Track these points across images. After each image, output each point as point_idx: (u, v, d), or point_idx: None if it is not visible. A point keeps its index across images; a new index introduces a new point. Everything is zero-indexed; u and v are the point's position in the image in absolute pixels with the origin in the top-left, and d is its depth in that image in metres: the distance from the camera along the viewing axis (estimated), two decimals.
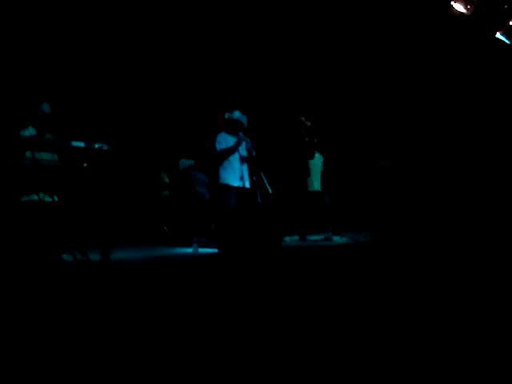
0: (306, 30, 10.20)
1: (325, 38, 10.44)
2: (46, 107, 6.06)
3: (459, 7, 8.04)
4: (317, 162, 9.11)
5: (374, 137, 10.73)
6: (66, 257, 5.85)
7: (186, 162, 8.81)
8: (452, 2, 8.04)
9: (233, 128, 7.35)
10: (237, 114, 7.40)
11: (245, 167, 7.34)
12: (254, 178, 7.34)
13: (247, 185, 7.29)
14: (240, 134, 7.30)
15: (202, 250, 6.83)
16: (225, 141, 7.30)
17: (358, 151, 10.33)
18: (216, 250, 6.52)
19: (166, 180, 9.62)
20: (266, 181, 7.13)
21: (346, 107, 11.49)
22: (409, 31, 9.62)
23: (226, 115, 7.47)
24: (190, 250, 6.93)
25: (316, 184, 9.12)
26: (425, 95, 10.38)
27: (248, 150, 7.35)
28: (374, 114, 11.22)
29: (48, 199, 5.61)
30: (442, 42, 9.49)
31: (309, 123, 8.83)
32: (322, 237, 8.12)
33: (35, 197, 5.62)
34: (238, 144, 7.26)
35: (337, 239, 7.97)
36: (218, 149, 7.27)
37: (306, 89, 11.68)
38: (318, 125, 9.84)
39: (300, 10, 9.56)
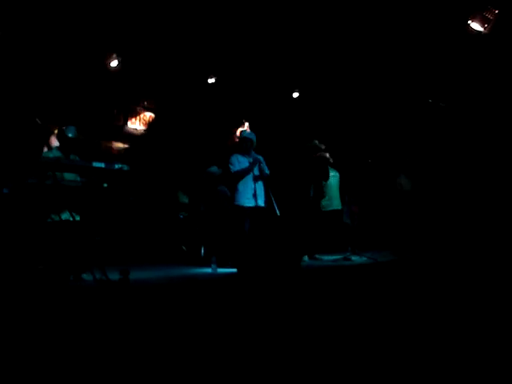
0: (323, 51, 10.23)
1: (343, 58, 10.47)
2: (71, 130, 6.15)
3: (476, 26, 8.02)
4: (333, 180, 9.06)
5: (393, 155, 10.70)
6: (86, 276, 5.89)
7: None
8: (469, 21, 8.02)
9: (244, 147, 7.37)
10: (247, 133, 7.44)
11: (258, 186, 7.31)
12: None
13: (261, 203, 7.25)
14: (253, 153, 7.32)
15: (220, 270, 6.82)
16: (238, 162, 7.32)
17: (376, 170, 10.31)
18: (235, 270, 6.52)
19: (185, 200, 9.66)
20: (274, 203, 7.11)
21: (363, 126, 11.50)
22: (427, 51, 9.61)
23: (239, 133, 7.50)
24: (209, 270, 6.93)
25: (335, 202, 9.07)
26: (443, 114, 10.35)
27: (260, 169, 7.35)
28: (392, 133, 11.21)
29: (69, 218, 5.66)
30: (460, 62, 9.47)
31: (323, 146, 8.84)
32: (341, 256, 8.07)
33: (59, 217, 5.68)
34: (253, 165, 7.27)
35: (356, 259, 7.91)
36: (232, 170, 7.28)
37: (323, 109, 11.73)
38: (335, 145, 9.86)
39: (319, 31, 9.59)
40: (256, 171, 7.33)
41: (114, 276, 5.33)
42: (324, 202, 8.93)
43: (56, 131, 6.23)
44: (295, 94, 11.75)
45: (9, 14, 7.98)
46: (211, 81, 10.92)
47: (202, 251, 8.51)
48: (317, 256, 8.38)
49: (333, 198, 9.07)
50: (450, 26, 8.83)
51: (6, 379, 2.27)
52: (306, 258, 8.06)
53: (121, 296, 4.70)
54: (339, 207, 9.08)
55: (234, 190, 7.33)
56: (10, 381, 2.25)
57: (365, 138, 11.42)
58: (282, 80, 11.19)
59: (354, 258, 7.98)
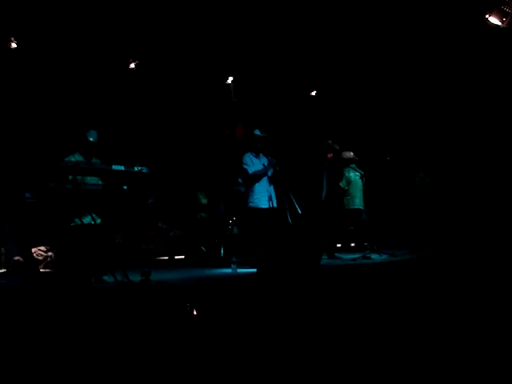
0: (340, 49, 10.21)
1: (360, 56, 10.44)
2: (92, 134, 6.21)
3: (494, 20, 7.93)
4: (357, 179, 9.02)
5: (411, 153, 10.65)
6: (107, 278, 5.94)
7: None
8: (487, 15, 7.93)
9: (255, 147, 7.35)
10: (258, 133, 7.42)
11: (272, 188, 7.34)
12: (283, 199, 7.32)
13: (274, 205, 7.27)
14: (269, 158, 7.30)
15: (240, 270, 6.83)
16: (252, 163, 7.30)
17: (395, 168, 10.27)
18: (255, 270, 6.52)
19: (204, 201, 9.69)
20: (295, 201, 7.10)
21: (382, 124, 11.46)
22: (445, 47, 9.55)
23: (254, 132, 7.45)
24: (228, 271, 6.95)
25: (357, 201, 9.04)
26: (460, 110, 10.28)
27: (273, 169, 7.34)
28: (410, 130, 11.15)
29: (90, 221, 5.71)
30: (478, 56, 9.40)
31: (337, 146, 8.82)
32: (360, 255, 8.04)
33: (85, 220, 5.75)
34: (269, 166, 7.26)
35: (375, 257, 7.87)
36: (250, 172, 7.25)
37: (340, 108, 11.71)
38: (353, 143, 9.84)
39: (335, 29, 9.58)
40: (270, 172, 7.32)
41: (135, 277, 5.37)
42: (346, 201, 8.91)
43: None
44: (313, 93, 11.74)
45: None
46: (229, 81, 10.98)
47: (222, 252, 8.53)
48: (336, 255, 8.36)
49: (356, 197, 9.03)
50: (468, 20, 8.76)
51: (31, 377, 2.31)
52: (324, 256, 8.03)
53: (142, 297, 4.73)
54: (361, 207, 9.04)
55: (249, 191, 7.29)
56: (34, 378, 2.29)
57: (382, 135, 11.38)
58: (299, 79, 11.18)
59: (373, 256, 7.94)
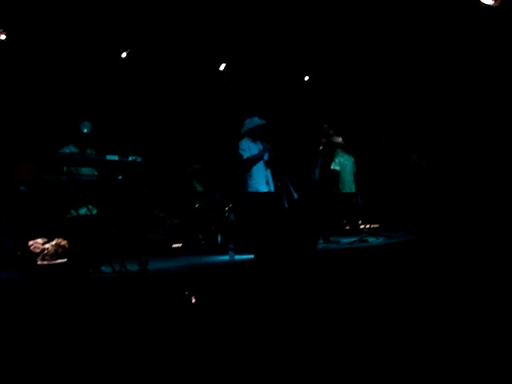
0: (333, 33, 10.17)
1: (353, 40, 10.41)
2: (86, 125, 6.19)
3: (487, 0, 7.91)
4: (347, 163, 9.13)
5: (405, 135, 10.66)
6: (105, 269, 5.95)
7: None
8: None
9: (255, 133, 7.33)
10: (257, 120, 7.39)
11: (269, 172, 7.35)
12: (279, 184, 7.33)
13: (272, 189, 7.30)
14: (264, 143, 7.30)
15: (238, 257, 6.85)
16: (248, 148, 7.29)
17: (389, 150, 10.28)
18: (252, 257, 6.53)
19: (200, 188, 9.68)
20: (291, 186, 7.12)
21: (375, 106, 11.45)
22: (435, 25, 9.52)
23: (248, 121, 7.42)
24: (226, 258, 6.96)
25: (348, 185, 9.13)
26: (453, 90, 10.27)
27: (269, 154, 7.34)
28: (404, 112, 11.15)
29: (87, 212, 5.70)
30: (470, 35, 9.37)
31: (332, 131, 8.84)
32: (357, 238, 8.06)
33: (81, 211, 5.74)
34: (264, 151, 7.26)
35: (372, 240, 7.89)
36: (244, 157, 7.24)
37: (332, 91, 11.69)
38: (347, 126, 9.84)
39: (324, 17, 9.55)
40: (266, 157, 7.33)
41: (133, 267, 5.38)
42: (341, 185, 8.98)
43: None
44: (306, 78, 11.72)
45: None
46: (222, 67, 10.95)
47: (219, 239, 8.53)
48: (332, 239, 8.39)
49: (346, 182, 9.13)
50: (460, 1, 8.74)
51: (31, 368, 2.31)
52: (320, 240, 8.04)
53: (140, 287, 4.75)
54: (353, 190, 9.12)
55: (247, 176, 7.29)
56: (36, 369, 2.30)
57: (376, 118, 11.38)
58: (292, 64, 11.15)
59: (370, 239, 7.96)
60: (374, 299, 3.54)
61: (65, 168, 5.42)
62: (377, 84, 11.39)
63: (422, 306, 3.14)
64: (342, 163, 9.11)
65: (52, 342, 2.83)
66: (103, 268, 5.98)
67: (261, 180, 7.22)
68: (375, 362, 2.17)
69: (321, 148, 8.68)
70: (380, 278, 4.48)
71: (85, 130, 6.15)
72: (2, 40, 8.36)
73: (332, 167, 8.96)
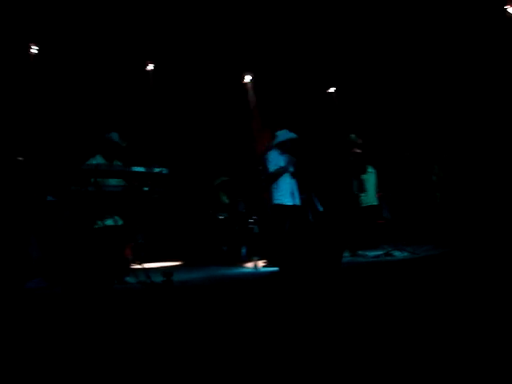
0: (359, 45, 10.16)
1: (379, 52, 10.39)
2: (113, 136, 6.26)
3: None
4: (370, 176, 9.08)
5: (429, 148, 10.57)
6: (130, 279, 5.99)
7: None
8: (506, 6, 7.85)
9: (284, 147, 7.32)
10: (289, 133, 7.38)
11: (294, 184, 7.32)
12: (304, 196, 7.30)
13: (297, 202, 7.26)
14: (289, 156, 7.29)
15: (262, 269, 6.84)
16: (276, 160, 7.28)
17: (414, 164, 10.20)
18: (277, 269, 6.52)
19: (225, 201, 9.71)
20: (316, 199, 7.09)
21: (399, 120, 11.39)
22: (466, 40, 9.46)
23: (280, 134, 7.43)
24: (250, 270, 6.95)
25: (371, 198, 9.07)
26: (479, 102, 10.18)
27: (294, 166, 7.32)
28: (428, 126, 11.07)
29: (112, 223, 5.77)
30: (499, 48, 9.29)
31: (360, 140, 8.78)
32: (383, 252, 7.98)
33: (106, 222, 5.80)
34: (290, 163, 7.23)
35: (398, 254, 7.81)
36: (271, 169, 7.23)
37: (358, 104, 11.66)
38: (371, 139, 9.79)
39: (355, 25, 9.54)
40: (291, 169, 7.31)
41: (157, 278, 5.40)
42: (362, 197, 8.92)
43: None
44: (331, 89, 11.73)
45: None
46: (247, 78, 11.02)
47: (243, 251, 8.54)
48: (359, 252, 8.33)
49: (369, 194, 9.07)
50: (488, 11, 8.67)
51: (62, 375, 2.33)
52: (347, 253, 7.97)
53: (165, 298, 4.76)
54: (375, 203, 9.06)
55: (273, 188, 7.27)
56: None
57: (398, 131, 11.32)
58: (317, 75, 11.15)
59: (395, 253, 7.89)
60: (399, 313, 3.50)
61: (92, 179, 5.48)
62: (400, 96, 11.33)
63: (448, 321, 3.09)
64: (367, 175, 9.05)
65: (76, 351, 2.85)
66: (128, 278, 6.03)
67: (286, 192, 7.19)
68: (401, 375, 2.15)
69: (351, 159, 8.61)
70: (405, 293, 4.42)
71: (112, 141, 6.21)
72: (34, 53, 8.51)
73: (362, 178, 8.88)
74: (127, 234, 5.99)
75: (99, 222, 5.83)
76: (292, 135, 7.37)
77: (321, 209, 6.97)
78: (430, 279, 5.17)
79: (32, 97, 8.34)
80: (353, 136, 8.77)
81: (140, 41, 9.13)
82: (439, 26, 9.38)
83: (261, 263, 7.04)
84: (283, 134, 7.40)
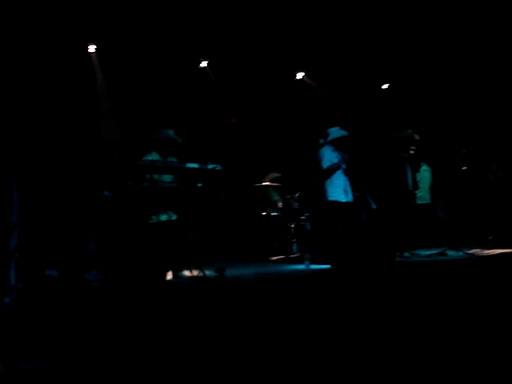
0: (413, 40, 9.98)
1: (434, 48, 10.18)
2: (169, 133, 6.34)
3: None
4: (425, 173, 8.88)
5: (486, 145, 10.30)
6: (183, 274, 6.08)
7: None
8: None
9: (337, 144, 7.27)
10: (341, 131, 7.33)
11: (347, 181, 7.25)
12: (357, 194, 7.22)
13: (351, 198, 7.19)
14: (341, 153, 7.23)
15: (313, 266, 6.82)
16: (329, 156, 7.23)
17: (470, 161, 9.95)
18: (328, 266, 6.49)
19: (276, 197, 9.71)
20: (369, 196, 6.99)
21: (456, 117, 11.14)
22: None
23: (332, 131, 7.37)
24: (302, 267, 6.94)
25: (427, 196, 8.88)
26: None
27: (347, 163, 7.25)
28: (486, 123, 10.79)
29: (167, 218, 5.86)
30: None
31: (417, 136, 8.59)
32: (437, 251, 7.83)
33: (161, 217, 5.91)
34: (342, 161, 7.17)
35: (452, 254, 7.65)
36: (324, 165, 7.18)
37: (411, 101, 11.47)
38: (427, 136, 9.60)
39: (405, 23, 9.39)
40: (344, 166, 7.25)
41: (210, 273, 5.47)
42: (418, 195, 8.73)
43: None
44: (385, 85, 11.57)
45: None
46: (299, 75, 11.00)
47: (295, 248, 8.54)
48: (412, 251, 8.19)
49: (423, 192, 8.87)
50: None
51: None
52: (406, 253, 7.84)
53: (217, 293, 4.81)
54: (429, 201, 8.86)
55: (327, 185, 7.22)
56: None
57: (455, 128, 11.07)
58: (372, 71, 11.02)
59: (450, 253, 7.73)
60: (453, 313, 3.44)
61: (147, 175, 5.59)
62: (456, 92, 11.08)
63: (503, 323, 3.02)
64: (421, 173, 8.85)
65: (127, 342, 2.91)
66: (181, 273, 6.12)
67: (340, 189, 7.14)
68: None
69: (406, 155, 8.45)
70: (459, 293, 4.34)
71: (167, 138, 6.30)
72: (90, 52, 8.72)
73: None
74: (181, 229, 6.07)
75: (154, 217, 5.94)
76: (344, 133, 7.31)
77: (374, 206, 6.87)
78: (485, 281, 5.05)
79: (89, 94, 8.53)
80: (409, 132, 8.59)
81: (194, 37, 9.20)
82: (501, 18, 9.11)
83: (312, 260, 7.00)
84: (335, 132, 7.34)
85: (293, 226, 8.83)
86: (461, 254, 7.59)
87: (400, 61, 10.70)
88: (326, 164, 7.13)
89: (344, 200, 7.07)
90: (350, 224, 6.93)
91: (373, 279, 5.21)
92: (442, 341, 2.71)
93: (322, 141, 7.41)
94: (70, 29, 7.91)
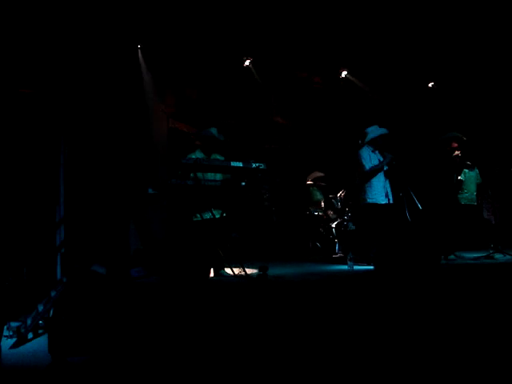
0: (461, 39, 9.79)
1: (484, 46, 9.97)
2: (212, 131, 6.37)
3: None
4: (472, 173, 8.65)
5: None
6: (225, 272, 6.10)
7: None
8: None
9: (376, 143, 7.16)
10: (379, 129, 7.21)
11: (388, 183, 7.13)
12: (401, 194, 7.10)
13: (391, 201, 7.07)
14: (385, 153, 7.12)
15: (357, 267, 6.75)
16: (369, 157, 7.11)
17: None
18: (372, 267, 6.42)
19: (318, 197, 9.66)
20: (414, 196, 6.86)
21: (505, 116, 10.87)
22: None
23: (370, 130, 7.27)
24: (344, 267, 6.89)
25: (472, 197, 8.67)
26: None
27: (390, 164, 7.12)
28: None
29: (210, 216, 5.89)
30: None
31: (464, 138, 8.42)
32: (483, 254, 7.65)
33: (204, 215, 5.95)
34: (385, 161, 7.05)
35: (499, 257, 7.48)
36: (366, 167, 7.03)
37: (458, 100, 11.26)
38: (474, 137, 9.41)
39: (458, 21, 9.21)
40: (385, 168, 7.13)
41: (253, 272, 5.47)
42: (464, 196, 8.54)
43: None
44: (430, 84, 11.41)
45: None
46: (344, 73, 10.97)
47: (337, 248, 8.48)
48: (457, 254, 8.02)
49: (469, 193, 8.67)
50: None
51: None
52: (452, 256, 7.69)
53: (260, 292, 4.80)
54: (475, 203, 8.65)
55: (367, 187, 7.12)
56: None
57: (504, 129, 10.80)
58: (417, 70, 10.86)
59: (497, 256, 7.55)
60: (498, 317, 3.35)
61: (191, 173, 5.63)
62: (505, 91, 10.81)
63: None
64: (467, 173, 8.64)
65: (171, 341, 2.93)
66: (223, 271, 6.15)
67: (381, 191, 7.03)
68: None
69: (454, 155, 8.28)
70: (506, 297, 4.23)
71: (211, 136, 6.33)
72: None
73: (460, 177, 8.52)
74: (224, 227, 6.09)
75: (198, 215, 5.97)
76: (383, 130, 7.19)
77: (420, 207, 6.74)
78: None
79: (137, 92, 8.64)
80: (454, 133, 8.43)
81: (238, 37, 9.23)
82: None
83: (356, 261, 6.93)
84: (374, 131, 7.23)
85: (335, 225, 8.76)
86: (508, 257, 7.42)
87: (449, 58, 10.51)
88: (368, 165, 7.02)
89: (383, 202, 6.97)
90: (393, 226, 6.83)
91: (416, 282, 5.12)
92: (487, 344, 2.65)
93: (360, 141, 7.32)
94: (121, 29, 8.05)
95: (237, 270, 5.84)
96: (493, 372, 2.19)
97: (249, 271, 5.73)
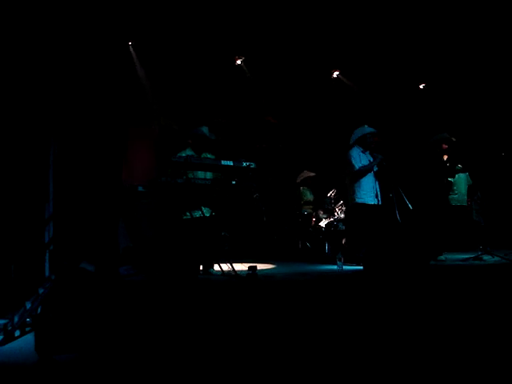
0: (450, 40, 9.83)
1: (470, 48, 10.01)
2: (203, 130, 6.36)
3: None
4: (461, 176, 8.70)
5: None
6: (214, 270, 6.10)
7: None
8: None
9: (366, 143, 7.17)
10: (367, 128, 7.23)
11: (377, 184, 7.14)
12: (391, 195, 7.11)
13: (380, 202, 7.09)
14: (375, 154, 7.13)
15: (346, 267, 6.76)
16: (359, 158, 7.12)
17: (509, 164, 9.74)
18: (361, 268, 6.44)
19: (309, 197, 9.67)
20: (405, 197, 6.88)
21: (494, 118, 10.93)
22: None
23: (358, 130, 7.28)
24: (334, 267, 6.90)
25: (460, 198, 8.71)
26: None
27: (380, 165, 7.14)
28: None
29: (200, 215, 5.88)
30: None
31: (453, 139, 8.45)
32: (472, 255, 7.70)
33: (194, 214, 5.94)
34: (375, 162, 7.07)
35: (488, 258, 7.52)
36: (356, 167, 7.04)
37: (450, 101, 11.31)
38: (465, 137, 9.45)
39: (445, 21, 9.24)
40: (375, 168, 7.14)
41: (242, 271, 5.47)
42: (454, 197, 8.58)
43: None
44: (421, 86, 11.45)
45: None
46: (335, 74, 10.97)
47: (327, 248, 8.49)
48: (446, 254, 8.06)
49: (459, 194, 8.71)
50: None
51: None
52: (441, 257, 7.71)
53: (249, 291, 4.80)
54: (464, 203, 8.69)
55: (356, 187, 7.12)
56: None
57: (494, 130, 10.86)
58: (408, 71, 10.89)
59: (485, 257, 7.59)
60: (486, 319, 3.37)
61: (181, 171, 5.61)
62: (495, 93, 10.87)
63: None
64: (457, 175, 8.68)
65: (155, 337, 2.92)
66: (212, 270, 6.14)
67: (370, 192, 7.03)
68: None
69: (442, 157, 8.31)
70: (494, 298, 4.25)
71: (202, 134, 6.32)
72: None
73: (450, 179, 8.55)
74: (213, 226, 6.08)
75: (187, 214, 5.96)
76: (369, 130, 7.20)
77: (411, 207, 6.75)
78: None
79: (126, 91, 8.61)
80: (445, 134, 8.46)
81: (229, 35, 9.22)
82: None
83: (345, 261, 6.94)
84: (360, 130, 7.25)
85: (325, 225, 8.78)
86: (497, 258, 7.46)
87: (437, 59, 10.55)
88: (357, 165, 7.03)
89: (372, 202, 6.98)
90: (382, 226, 6.84)
91: (405, 282, 5.14)
92: (474, 346, 2.66)
93: (351, 141, 7.34)
94: (113, 26, 8.02)
95: (226, 269, 5.84)
96: (481, 372, 2.20)
97: (238, 270, 5.73)
